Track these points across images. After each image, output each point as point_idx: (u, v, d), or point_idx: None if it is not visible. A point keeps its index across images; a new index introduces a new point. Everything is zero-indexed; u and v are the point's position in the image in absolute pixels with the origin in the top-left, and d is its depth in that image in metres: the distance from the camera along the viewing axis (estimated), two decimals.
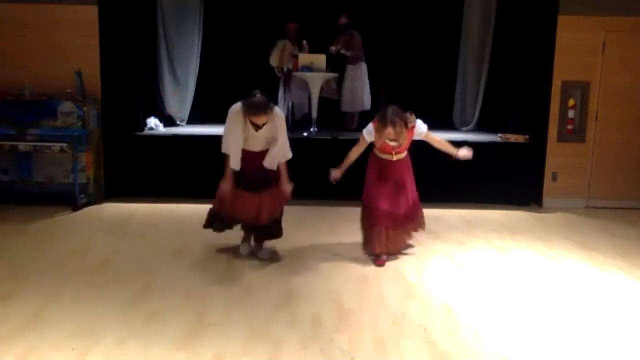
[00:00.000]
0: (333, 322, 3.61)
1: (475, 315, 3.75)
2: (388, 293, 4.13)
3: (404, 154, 4.84)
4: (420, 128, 4.77)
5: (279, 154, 4.59)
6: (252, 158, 4.56)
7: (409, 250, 5.11)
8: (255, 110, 4.34)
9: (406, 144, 4.74)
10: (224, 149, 4.54)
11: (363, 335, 3.42)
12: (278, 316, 3.68)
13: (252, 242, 4.96)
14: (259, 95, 4.38)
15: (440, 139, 4.96)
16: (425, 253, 5.09)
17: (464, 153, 4.86)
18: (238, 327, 3.50)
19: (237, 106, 4.46)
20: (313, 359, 3.14)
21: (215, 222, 4.76)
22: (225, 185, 4.53)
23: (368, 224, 4.83)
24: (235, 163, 4.49)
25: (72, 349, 3.16)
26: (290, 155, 4.71)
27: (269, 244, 4.92)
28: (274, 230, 4.78)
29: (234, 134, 4.45)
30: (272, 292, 4.09)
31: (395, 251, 4.90)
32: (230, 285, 4.21)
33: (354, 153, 4.82)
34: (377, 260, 4.75)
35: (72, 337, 3.30)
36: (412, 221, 4.95)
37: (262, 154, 4.58)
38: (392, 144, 4.60)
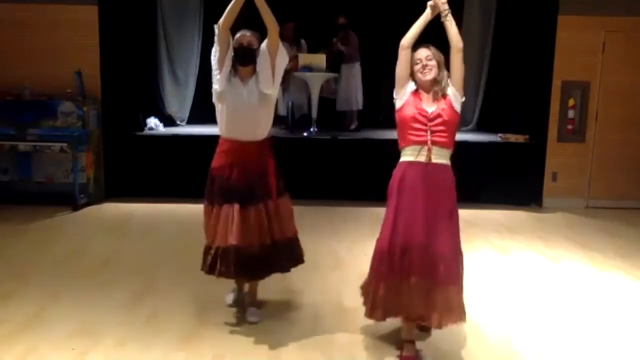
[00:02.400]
0: (333, 322, 3.61)
1: (475, 315, 3.74)
2: None
3: (447, 156, 3.20)
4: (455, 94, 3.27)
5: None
6: (235, 151, 3.50)
7: None
8: (242, 30, 3.56)
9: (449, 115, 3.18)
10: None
11: (363, 335, 3.42)
12: (278, 316, 3.68)
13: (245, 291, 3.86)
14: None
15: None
16: None
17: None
18: (238, 327, 3.50)
19: None
20: (313, 359, 3.13)
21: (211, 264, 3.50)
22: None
23: (376, 275, 3.16)
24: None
25: (72, 349, 3.16)
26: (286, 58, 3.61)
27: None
28: (276, 259, 3.56)
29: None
30: (272, 292, 4.09)
31: (418, 320, 3.19)
32: (230, 285, 4.20)
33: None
34: (403, 358, 3.17)
35: (72, 337, 3.30)
36: (444, 288, 3.08)
37: (250, 146, 3.50)
38: (428, 76, 3.16)
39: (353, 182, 6.95)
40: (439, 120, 3.14)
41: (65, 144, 6.30)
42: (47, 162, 6.66)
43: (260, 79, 3.50)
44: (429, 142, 3.12)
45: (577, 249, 5.36)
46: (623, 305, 4.00)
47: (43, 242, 5.19)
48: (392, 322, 3.59)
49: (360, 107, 8.35)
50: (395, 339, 3.37)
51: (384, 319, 3.17)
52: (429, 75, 3.18)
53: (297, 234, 3.73)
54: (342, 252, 5.08)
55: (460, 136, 7.70)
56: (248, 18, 3.64)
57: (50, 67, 6.81)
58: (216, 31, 3.44)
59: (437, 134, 3.13)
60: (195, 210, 6.39)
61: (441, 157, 3.18)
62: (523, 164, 7.09)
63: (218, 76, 3.53)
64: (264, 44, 3.48)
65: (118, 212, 6.41)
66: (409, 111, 3.16)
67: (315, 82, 7.81)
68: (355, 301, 3.95)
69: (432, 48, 3.23)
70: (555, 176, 7.16)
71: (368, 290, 3.21)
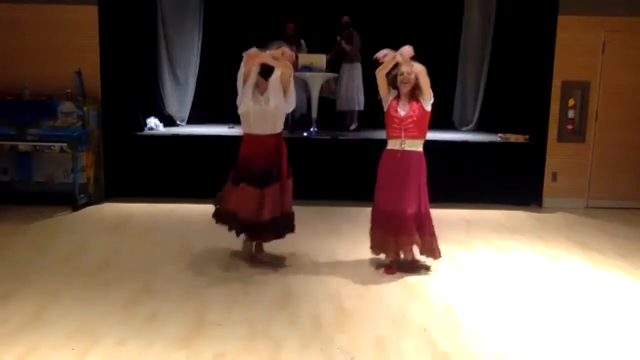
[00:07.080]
0: (333, 322, 3.62)
1: (475, 316, 3.75)
2: (388, 293, 4.13)
3: (418, 145, 4.38)
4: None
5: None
6: (259, 142, 4.43)
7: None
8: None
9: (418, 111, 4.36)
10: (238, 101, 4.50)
11: (363, 335, 3.43)
12: (278, 316, 3.68)
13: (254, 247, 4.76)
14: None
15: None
16: None
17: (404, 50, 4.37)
18: (238, 326, 3.50)
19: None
20: (313, 359, 3.14)
21: (220, 217, 4.61)
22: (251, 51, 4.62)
23: (373, 226, 4.60)
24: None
25: (72, 349, 3.16)
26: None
27: (270, 248, 4.77)
28: (281, 227, 4.54)
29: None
30: (272, 292, 4.09)
31: (405, 260, 4.53)
32: (230, 285, 4.21)
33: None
34: (387, 269, 4.53)
35: (72, 337, 3.30)
36: (421, 234, 4.47)
37: (271, 138, 4.45)
38: (407, 88, 4.32)
39: (353, 182, 6.94)
40: (409, 120, 4.34)
41: (65, 144, 6.30)
42: (47, 162, 6.66)
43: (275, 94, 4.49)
44: (402, 137, 4.35)
45: (577, 249, 5.36)
46: (623, 305, 4.00)
47: (43, 242, 5.19)
48: (393, 322, 3.61)
49: (362, 108, 8.35)
50: (395, 339, 3.38)
51: (377, 254, 4.62)
52: (408, 87, 4.38)
53: (292, 209, 4.67)
54: (342, 252, 5.08)
55: (460, 136, 7.82)
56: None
57: (50, 67, 6.80)
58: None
59: (409, 131, 4.35)
60: (195, 210, 6.44)
61: (413, 146, 4.39)
62: (523, 164, 7.10)
63: (245, 98, 4.46)
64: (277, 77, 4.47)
65: (118, 212, 6.41)
66: (389, 115, 4.42)
67: (315, 82, 7.82)
68: (355, 301, 3.97)
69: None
70: (555, 176, 7.16)
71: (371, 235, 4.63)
